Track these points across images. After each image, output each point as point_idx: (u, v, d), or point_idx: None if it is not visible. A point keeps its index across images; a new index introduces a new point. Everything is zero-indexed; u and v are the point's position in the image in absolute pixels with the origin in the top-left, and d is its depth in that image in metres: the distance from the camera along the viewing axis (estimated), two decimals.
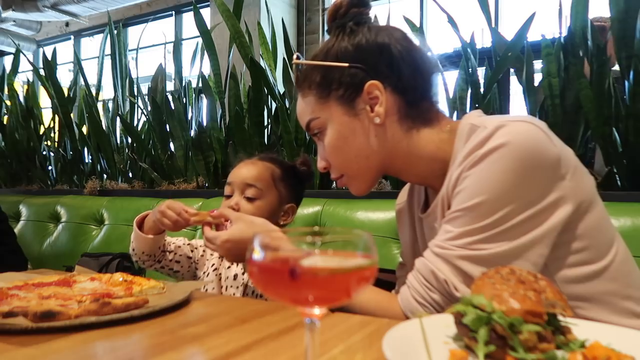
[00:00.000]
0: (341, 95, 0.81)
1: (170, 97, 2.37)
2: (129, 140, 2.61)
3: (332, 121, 0.83)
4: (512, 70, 1.69)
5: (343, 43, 0.81)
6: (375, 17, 1.83)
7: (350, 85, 0.80)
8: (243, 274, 1.15)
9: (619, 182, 1.50)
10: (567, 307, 0.52)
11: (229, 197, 1.16)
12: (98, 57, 2.97)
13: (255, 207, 1.14)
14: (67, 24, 6.89)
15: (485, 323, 0.50)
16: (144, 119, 2.65)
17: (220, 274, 1.18)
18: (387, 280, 1.14)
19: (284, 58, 2.11)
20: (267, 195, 1.16)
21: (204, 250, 1.26)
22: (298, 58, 0.85)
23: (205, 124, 2.27)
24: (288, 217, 1.21)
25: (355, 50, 0.80)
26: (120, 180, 2.61)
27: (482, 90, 1.71)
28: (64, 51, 6.51)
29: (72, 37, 6.96)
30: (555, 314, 0.52)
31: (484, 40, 1.83)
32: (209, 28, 2.28)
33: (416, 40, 0.84)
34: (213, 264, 1.21)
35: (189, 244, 1.25)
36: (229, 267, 1.18)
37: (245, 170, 1.17)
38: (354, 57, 0.80)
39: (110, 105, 2.81)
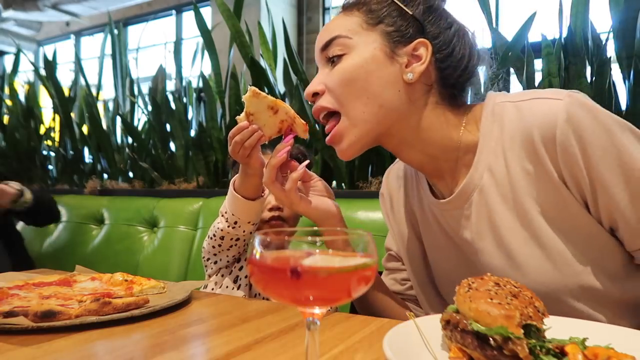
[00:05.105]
0: (388, 32, 0.76)
1: (170, 97, 2.37)
2: (130, 139, 2.61)
3: (362, 49, 0.76)
4: (512, 70, 1.69)
5: None
6: None
7: (403, 31, 0.76)
8: None
9: None
10: (544, 312, 0.53)
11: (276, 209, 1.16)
12: (98, 56, 2.97)
13: None
14: (67, 24, 6.89)
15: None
16: (144, 118, 2.65)
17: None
18: None
19: (284, 58, 2.10)
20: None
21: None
22: None
23: (205, 123, 2.27)
24: None
25: (426, 7, 0.77)
26: (120, 179, 2.61)
27: (482, 89, 1.71)
28: (65, 51, 6.51)
29: (72, 36, 6.96)
30: (532, 325, 0.51)
31: (484, 40, 1.83)
32: (209, 28, 2.28)
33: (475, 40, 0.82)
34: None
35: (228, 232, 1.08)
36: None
37: None
38: (422, 11, 0.77)
39: (111, 105, 2.82)
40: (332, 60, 0.78)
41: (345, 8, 0.80)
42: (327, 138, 0.80)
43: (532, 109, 0.71)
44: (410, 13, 0.77)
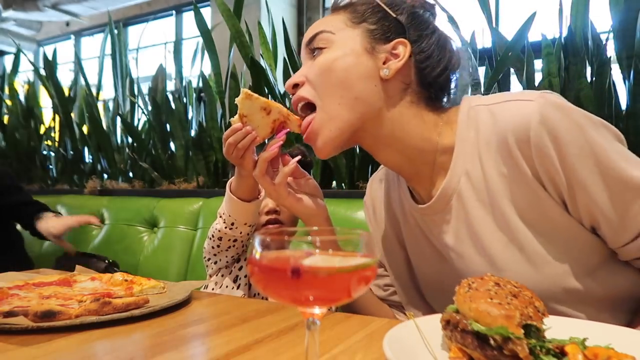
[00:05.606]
0: (370, 30, 0.79)
1: (170, 97, 2.37)
2: (130, 139, 2.61)
3: (343, 43, 0.78)
4: (512, 70, 1.69)
5: None
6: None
7: (384, 30, 0.79)
8: None
9: None
10: (544, 312, 0.53)
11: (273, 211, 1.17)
12: (98, 56, 2.97)
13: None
14: (67, 24, 6.88)
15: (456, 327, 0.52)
16: (144, 118, 2.65)
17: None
18: None
19: (284, 58, 2.10)
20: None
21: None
22: None
23: (205, 123, 2.27)
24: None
25: (410, 12, 0.80)
26: (120, 180, 2.61)
27: (482, 90, 1.71)
28: (65, 51, 6.51)
29: (72, 36, 6.95)
30: (532, 325, 0.51)
31: (484, 40, 1.83)
32: (209, 28, 2.28)
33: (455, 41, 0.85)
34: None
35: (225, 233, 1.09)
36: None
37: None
38: (406, 16, 0.80)
39: (111, 104, 2.82)
40: (315, 54, 0.80)
41: (334, 9, 0.84)
42: (304, 136, 0.80)
43: (505, 112, 0.72)
44: (394, 16, 0.79)
